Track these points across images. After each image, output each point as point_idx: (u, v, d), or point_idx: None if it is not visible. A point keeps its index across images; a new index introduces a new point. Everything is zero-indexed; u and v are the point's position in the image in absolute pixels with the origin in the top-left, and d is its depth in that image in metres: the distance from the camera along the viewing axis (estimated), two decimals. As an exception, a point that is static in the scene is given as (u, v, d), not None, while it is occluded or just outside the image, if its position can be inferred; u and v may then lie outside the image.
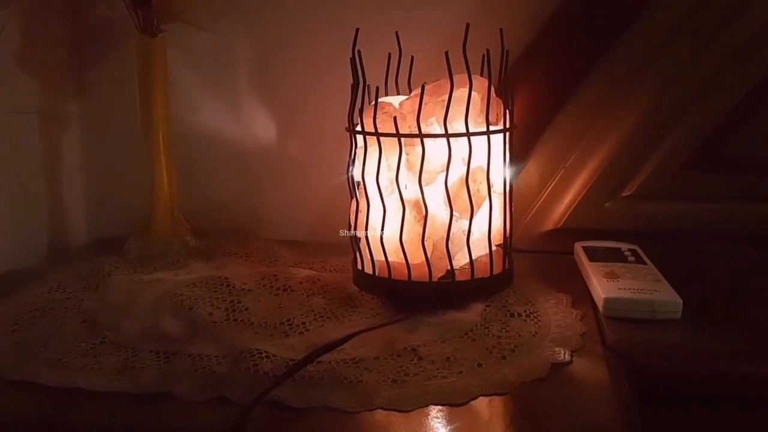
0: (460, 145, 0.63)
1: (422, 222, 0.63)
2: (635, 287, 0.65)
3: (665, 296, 0.63)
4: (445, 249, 0.63)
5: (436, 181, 0.64)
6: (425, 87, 0.62)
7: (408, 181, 0.64)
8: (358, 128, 0.65)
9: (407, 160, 0.63)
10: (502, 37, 0.66)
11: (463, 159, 0.64)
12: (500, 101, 0.66)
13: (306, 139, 0.92)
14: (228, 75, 0.93)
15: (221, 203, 0.95)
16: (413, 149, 0.63)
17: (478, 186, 0.64)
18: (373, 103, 0.63)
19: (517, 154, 0.81)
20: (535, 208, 0.83)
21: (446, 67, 0.61)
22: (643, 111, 0.78)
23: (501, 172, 0.67)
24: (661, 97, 0.78)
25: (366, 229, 0.66)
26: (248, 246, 0.85)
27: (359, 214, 0.67)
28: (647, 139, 0.79)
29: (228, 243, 0.85)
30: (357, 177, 0.67)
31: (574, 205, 0.82)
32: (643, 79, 0.78)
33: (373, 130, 0.64)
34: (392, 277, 0.65)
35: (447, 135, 0.62)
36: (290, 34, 0.89)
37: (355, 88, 0.65)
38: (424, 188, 0.63)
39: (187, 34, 0.84)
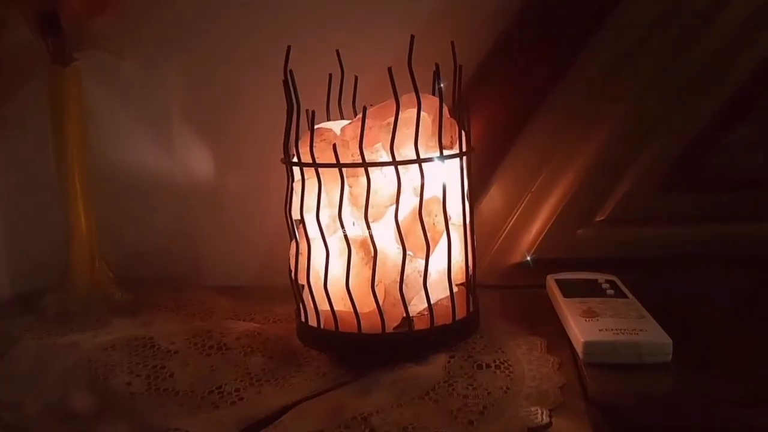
0: (410, 173, 0.55)
1: (371, 264, 0.55)
2: (618, 327, 0.57)
3: (652, 336, 0.56)
4: (399, 294, 0.55)
5: (385, 216, 0.56)
6: (367, 109, 0.54)
7: (353, 217, 0.56)
8: (295, 159, 0.57)
9: (351, 193, 0.55)
10: (453, 50, 0.58)
11: (414, 189, 0.55)
12: (455, 122, 0.58)
13: (248, 172, 0.83)
14: (159, 105, 0.84)
15: (156, 247, 0.85)
16: (357, 181, 0.55)
17: (434, 219, 0.56)
18: (310, 129, 0.55)
19: (478, 180, 0.74)
20: (501, 239, 0.75)
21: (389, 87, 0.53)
22: (611, 129, 0.71)
23: (459, 202, 0.58)
24: (629, 114, 0.71)
25: (308, 275, 0.57)
26: (182, 297, 0.75)
27: (300, 258, 0.58)
28: (618, 158, 0.72)
29: (159, 294, 0.76)
30: (296, 215, 0.58)
31: (543, 234, 0.74)
32: (608, 96, 0.71)
33: (310, 161, 0.55)
34: (339, 329, 0.56)
35: (395, 162, 0.53)
36: (225, 57, 0.80)
37: (289, 113, 0.57)
38: (371, 225, 0.54)
39: (112, 63, 0.76)
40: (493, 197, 0.75)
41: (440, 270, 0.58)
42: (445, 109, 0.58)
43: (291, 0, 0.78)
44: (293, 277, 0.59)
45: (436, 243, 0.56)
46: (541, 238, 0.74)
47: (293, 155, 0.57)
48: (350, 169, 0.54)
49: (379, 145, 0.56)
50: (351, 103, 0.66)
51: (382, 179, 0.54)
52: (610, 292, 0.66)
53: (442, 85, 0.55)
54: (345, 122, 0.61)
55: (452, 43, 0.58)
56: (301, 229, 0.57)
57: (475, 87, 0.71)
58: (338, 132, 0.58)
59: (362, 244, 0.55)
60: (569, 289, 0.67)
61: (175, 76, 0.83)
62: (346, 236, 0.54)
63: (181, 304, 0.74)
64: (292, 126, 0.56)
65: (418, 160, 0.54)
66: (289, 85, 0.56)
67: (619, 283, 0.69)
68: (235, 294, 0.77)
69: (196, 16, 0.80)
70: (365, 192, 0.53)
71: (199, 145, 0.84)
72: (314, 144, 0.55)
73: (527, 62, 0.70)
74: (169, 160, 0.84)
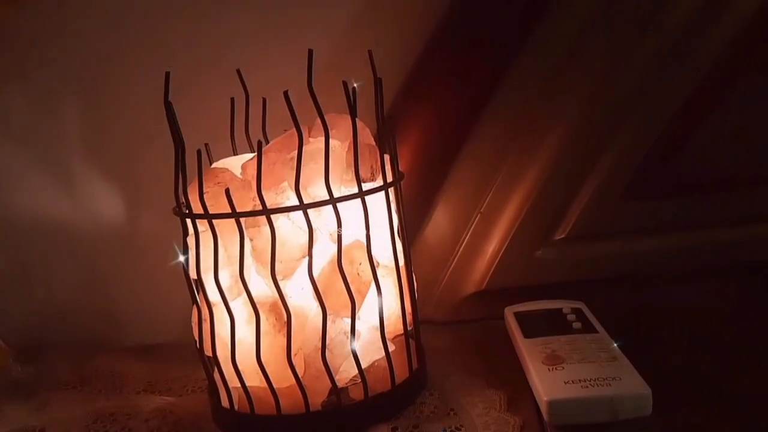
0: (324, 216, 0.45)
1: (285, 331, 0.45)
2: (587, 377, 0.48)
3: (628, 386, 0.47)
4: (322, 364, 0.45)
5: (297, 270, 0.46)
6: (262, 143, 0.44)
7: (259, 275, 0.46)
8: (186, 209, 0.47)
9: (253, 247, 0.45)
10: (372, 61, 0.49)
11: (330, 235, 0.46)
12: (375, 148, 0.48)
13: (165, 215, 0.73)
14: (55, 147, 0.73)
15: (63, 307, 0.74)
16: (259, 232, 0.45)
17: (358, 268, 0.46)
18: (198, 172, 0.45)
19: (418, 205, 0.64)
20: (450, 269, 0.66)
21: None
22: (562, 137, 0.62)
23: (389, 242, 0.49)
24: (580, 119, 0.62)
25: (213, 347, 0.47)
26: (87, 368, 0.65)
27: (203, 325, 0.48)
28: (573, 168, 0.63)
29: (62, 365, 0.65)
30: (193, 275, 0.48)
31: (498, 259, 0.65)
32: (554, 101, 0.62)
33: (201, 211, 0.45)
34: (255, 411, 0.47)
35: (303, 206, 0.44)
36: (127, 91, 0.70)
37: (176, 151, 0.47)
38: (281, 283, 0.44)
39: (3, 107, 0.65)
40: (438, 222, 0.66)
41: (373, 326, 0.48)
42: (366, 134, 0.49)
43: (192, 23, 0.67)
44: (200, 349, 0.49)
45: (363, 297, 0.47)
46: (495, 264, 0.65)
47: (183, 204, 0.47)
48: (250, 219, 0.45)
49: (285, 185, 0.46)
50: (262, 132, 0.57)
51: (290, 227, 0.45)
52: (577, 325, 0.57)
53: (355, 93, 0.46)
54: (247, 157, 0.51)
55: (369, 52, 0.49)
56: (202, 293, 0.48)
57: (403, 102, 0.61)
58: (238, 171, 0.48)
59: (272, 307, 0.46)
60: (530, 326, 0.58)
61: (72, 113, 0.72)
62: (251, 299, 0.45)
63: (86, 377, 0.63)
64: (180, 168, 0.47)
65: (332, 201, 0.44)
66: (171, 118, 0.46)
67: (586, 312, 0.60)
68: (154, 356, 0.67)
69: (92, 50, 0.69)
70: (269, 245, 0.44)
71: (107, 188, 0.73)
72: (205, 190, 0.45)
73: (461, 69, 0.61)
74: (75, 207, 0.73)
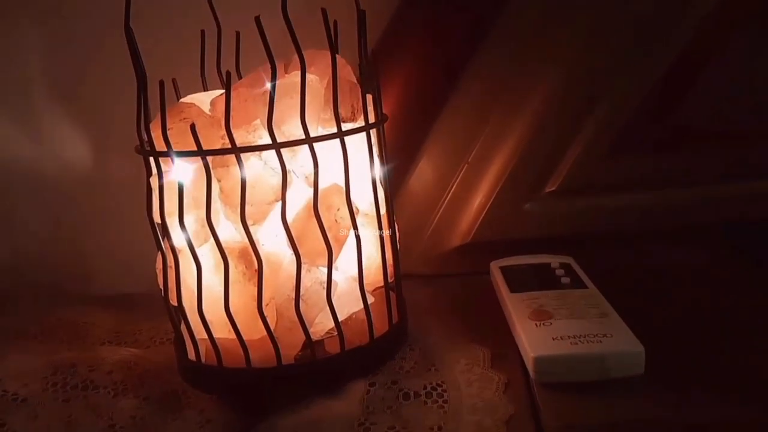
0: (300, 158, 0.42)
1: (255, 280, 0.42)
2: (576, 333, 0.45)
3: (619, 343, 0.44)
4: (295, 314, 0.42)
5: (270, 215, 0.43)
6: (231, 74, 0.40)
7: (229, 220, 0.43)
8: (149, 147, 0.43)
9: (221, 189, 0.42)
10: (354, -8, 0.45)
11: (306, 178, 0.42)
12: (356, 86, 0.45)
13: (132, 161, 0.69)
14: (17, 88, 0.68)
15: (28, 257, 0.71)
16: (227, 172, 0.41)
17: (336, 215, 0.43)
18: (161, 106, 0.41)
19: (404, 152, 0.61)
20: (435, 220, 0.63)
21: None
22: (554, 86, 0.58)
23: (369, 188, 0.46)
24: (573, 65, 0.58)
25: (179, 296, 0.44)
26: (50, 318, 0.61)
27: (168, 272, 0.45)
28: (565, 119, 0.59)
29: (23, 316, 0.62)
30: (157, 218, 0.44)
31: (485, 211, 0.62)
32: (544, 52, 0.58)
33: (165, 148, 0.41)
34: (224, 364, 0.44)
35: (276, 145, 0.40)
36: (95, 22, 0.65)
37: (138, 83, 0.43)
38: (251, 229, 0.41)
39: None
40: (423, 171, 0.62)
41: (351, 276, 0.45)
42: (347, 72, 0.45)
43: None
44: (165, 298, 0.46)
45: (341, 245, 0.44)
46: (482, 216, 0.62)
47: (146, 141, 0.43)
48: (217, 158, 0.41)
49: (257, 123, 0.42)
50: (235, 68, 0.53)
51: (262, 168, 0.41)
52: (565, 280, 0.55)
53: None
54: (216, 92, 0.47)
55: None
56: (167, 238, 0.44)
57: (391, 39, 0.57)
58: (207, 107, 0.44)
59: (242, 254, 0.42)
60: (517, 281, 0.55)
61: (35, 52, 0.68)
62: (219, 245, 0.41)
63: (49, 328, 0.60)
64: (142, 102, 0.43)
65: (308, 140, 0.41)
66: (133, 48, 0.42)
67: (576, 267, 0.57)
68: (122, 306, 0.64)
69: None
70: (239, 187, 0.40)
71: (72, 126, 0.69)
72: (169, 126, 0.41)
73: (454, 6, 0.57)
74: (39, 151, 0.69)
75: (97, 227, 0.71)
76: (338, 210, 0.43)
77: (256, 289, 0.42)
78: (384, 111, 0.48)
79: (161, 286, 0.46)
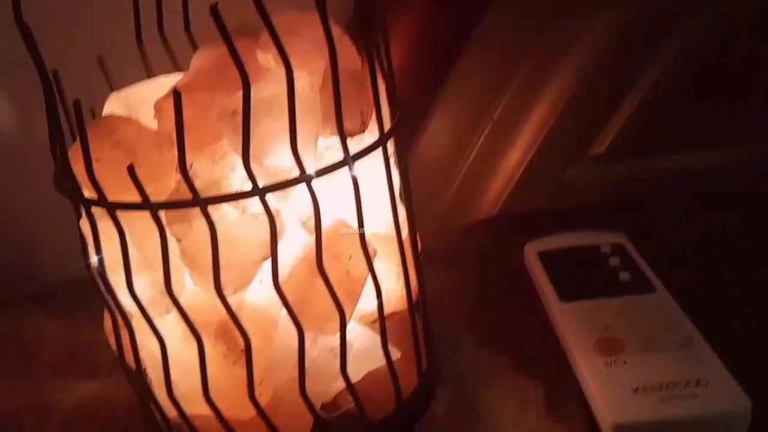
0: (290, 197, 0.29)
1: (242, 361, 0.30)
2: (661, 380, 0.35)
3: (720, 397, 0.34)
4: (300, 397, 0.31)
5: (258, 275, 0.31)
6: (179, 93, 0.26)
7: (200, 284, 0.30)
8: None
9: (182, 251, 0.29)
10: None
11: (304, 224, 0.30)
12: (365, 77, 0.31)
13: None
14: None
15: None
16: (189, 229, 0.29)
17: (347, 264, 0.31)
18: (78, 129, 0.28)
19: (414, 106, 0.48)
20: (453, 190, 0.51)
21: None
22: (605, 28, 0.44)
23: (386, 207, 0.33)
24: (630, 4, 0.44)
25: (136, 359, 0.32)
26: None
27: (121, 334, 0.33)
28: (618, 68, 0.46)
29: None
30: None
31: (516, 178, 0.50)
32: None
33: (93, 194, 0.28)
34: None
35: (259, 191, 0.27)
36: None
37: (46, 97, 0.29)
38: (231, 299, 0.29)
39: None
40: (437, 132, 0.50)
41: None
42: (349, 55, 0.31)
43: None
44: (120, 361, 0.34)
45: (355, 300, 0.32)
46: (514, 184, 0.50)
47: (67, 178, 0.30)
48: (174, 213, 0.28)
49: (224, 146, 0.29)
50: (184, 28, 0.38)
51: (239, 219, 0.29)
52: (624, 276, 0.44)
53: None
54: (169, 79, 0.33)
55: None
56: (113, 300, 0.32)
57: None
58: (150, 110, 0.31)
59: (221, 330, 0.31)
60: (563, 278, 0.44)
61: None
62: (187, 320, 0.29)
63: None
64: (53, 121, 0.29)
65: (304, 178, 0.28)
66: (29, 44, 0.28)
67: (630, 250, 0.47)
68: (73, 303, 0.52)
69: None
70: (208, 247, 0.28)
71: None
72: (95, 157, 0.28)
73: None
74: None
75: (39, 201, 0.58)
76: (350, 258, 0.31)
77: (243, 371, 0.30)
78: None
79: (114, 348, 0.34)
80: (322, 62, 0.29)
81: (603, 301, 0.42)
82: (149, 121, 0.31)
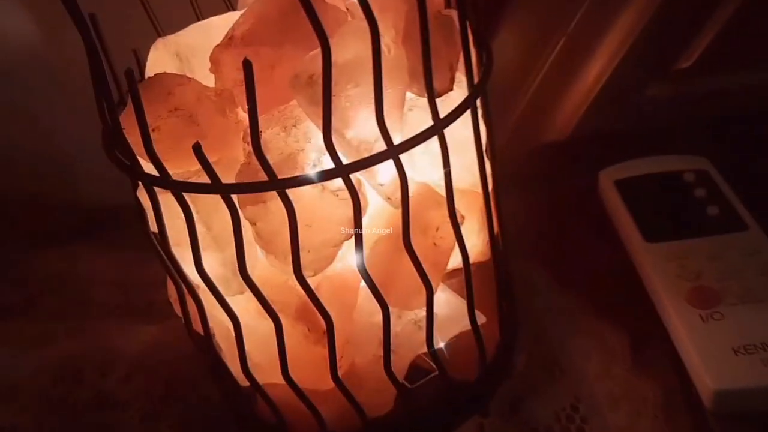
0: (373, 170, 0.26)
1: (324, 341, 0.28)
2: (764, 338, 0.33)
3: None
4: (384, 374, 0.29)
5: (340, 254, 0.28)
6: (250, 63, 0.22)
7: (273, 264, 0.28)
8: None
9: (257, 233, 0.26)
10: None
11: (389, 199, 0.27)
12: (453, 25, 0.26)
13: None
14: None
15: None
16: (265, 210, 0.25)
17: (434, 236, 0.28)
18: (132, 95, 0.24)
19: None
20: (521, 109, 0.47)
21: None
22: None
23: (464, 161, 0.30)
24: None
25: (206, 330, 0.30)
26: (32, 274, 0.48)
27: (186, 302, 0.31)
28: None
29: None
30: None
31: (592, 97, 0.45)
32: None
33: (153, 169, 0.25)
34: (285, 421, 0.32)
35: (342, 170, 0.24)
36: None
37: (90, 60, 0.25)
38: (312, 280, 0.27)
39: None
40: (505, 43, 0.45)
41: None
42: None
43: None
44: (188, 330, 0.32)
45: (442, 271, 0.29)
46: (589, 103, 0.46)
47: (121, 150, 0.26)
48: (246, 195, 0.25)
49: (298, 113, 0.25)
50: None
51: (319, 197, 0.25)
52: (713, 211, 0.40)
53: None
54: (223, 20, 0.29)
55: None
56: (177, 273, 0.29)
57: None
58: (205, 63, 0.27)
59: (302, 312, 0.28)
60: (647, 216, 0.41)
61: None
62: (265, 303, 0.27)
63: (31, 293, 0.47)
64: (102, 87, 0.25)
65: (392, 153, 0.24)
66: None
67: (716, 178, 0.43)
68: (122, 237, 0.50)
69: None
70: (285, 228, 0.25)
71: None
72: (152, 126, 0.24)
73: None
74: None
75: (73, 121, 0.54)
76: (437, 230, 0.28)
77: (324, 350, 0.28)
78: None
79: (180, 316, 0.32)
80: (403, 7, 0.25)
81: (692, 242, 0.39)
82: (204, 75, 0.27)
